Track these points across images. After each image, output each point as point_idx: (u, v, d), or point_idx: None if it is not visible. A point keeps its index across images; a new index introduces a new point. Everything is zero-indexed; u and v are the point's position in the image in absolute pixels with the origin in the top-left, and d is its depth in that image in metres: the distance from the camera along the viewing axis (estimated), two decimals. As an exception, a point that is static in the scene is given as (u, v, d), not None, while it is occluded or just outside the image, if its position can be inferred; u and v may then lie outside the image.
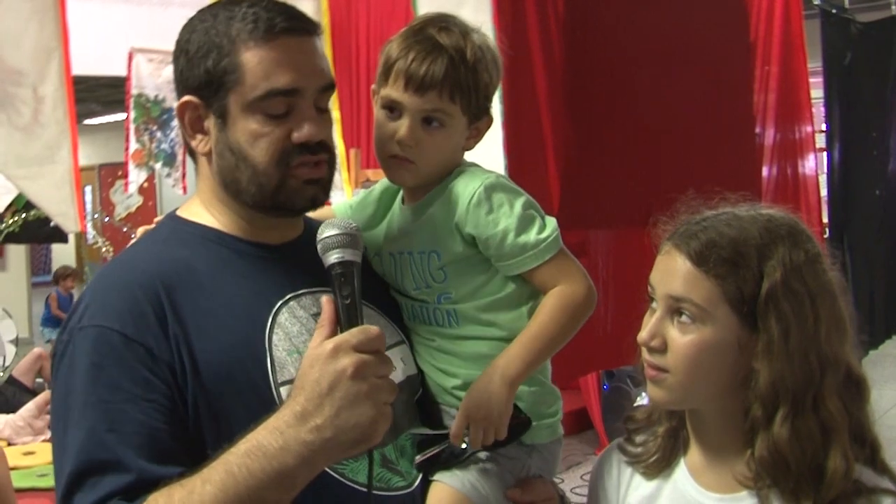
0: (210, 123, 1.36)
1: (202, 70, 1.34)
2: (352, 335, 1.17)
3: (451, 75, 1.41)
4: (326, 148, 1.37)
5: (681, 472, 1.37)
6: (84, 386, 1.24)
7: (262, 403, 1.23)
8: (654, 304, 1.33)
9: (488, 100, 1.49)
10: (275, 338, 1.33)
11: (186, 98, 1.37)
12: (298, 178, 1.35)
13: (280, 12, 1.34)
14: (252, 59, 1.31)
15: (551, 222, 1.44)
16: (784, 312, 1.24)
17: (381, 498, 1.33)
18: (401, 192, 1.53)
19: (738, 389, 1.28)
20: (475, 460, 1.43)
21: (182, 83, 1.38)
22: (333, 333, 1.19)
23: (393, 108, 1.43)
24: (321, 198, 1.39)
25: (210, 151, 1.38)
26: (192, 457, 1.21)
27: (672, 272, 1.29)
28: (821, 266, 1.29)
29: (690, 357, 1.27)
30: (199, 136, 1.38)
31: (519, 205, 1.42)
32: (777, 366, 1.24)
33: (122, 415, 1.22)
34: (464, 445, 1.39)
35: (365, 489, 1.29)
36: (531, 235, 1.41)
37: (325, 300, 1.22)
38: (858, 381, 1.29)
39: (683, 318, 1.27)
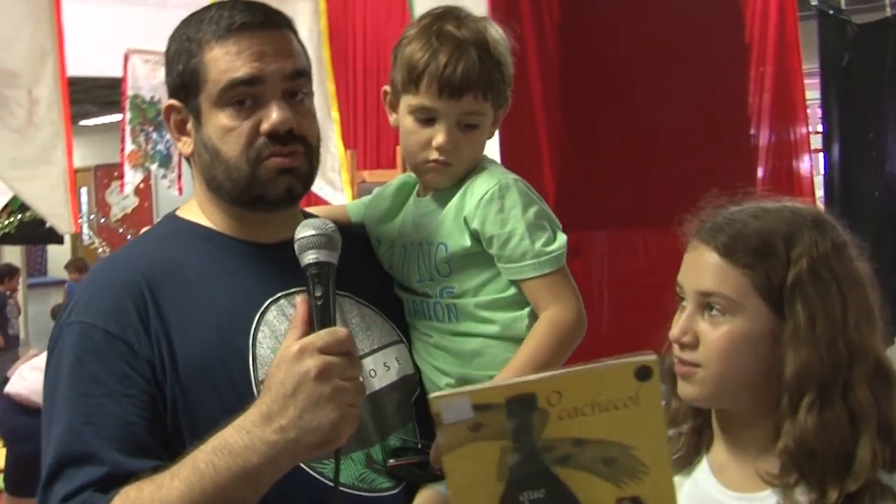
0: (190, 125, 1.41)
1: (176, 74, 1.39)
2: (318, 337, 1.17)
3: (483, 74, 1.40)
4: (301, 139, 1.37)
5: (702, 469, 1.36)
6: (67, 380, 1.27)
7: (241, 400, 1.23)
8: (683, 303, 1.31)
9: (510, 87, 1.49)
10: (260, 335, 1.34)
11: (169, 102, 1.42)
12: (270, 168, 1.35)
13: (242, 9, 1.37)
14: (215, 56, 1.35)
15: (561, 238, 1.42)
16: (810, 299, 1.23)
17: (363, 499, 1.33)
18: (416, 186, 1.53)
19: (768, 384, 1.25)
20: None
21: (167, 88, 1.43)
22: (306, 335, 1.19)
23: (425, 115, 1.42)
24: (298, 188, 1.39)
25: (193, 152, 1.42)
26: (169, 451, 1.23)
27: (700, 267, 1.28)
28: (847, 254, 1.28)
29: (723, 350, 1.25)
30: (184, 139, 1.43)
31: (532, 212, 1.41)
32: (803, 352, 1.22)
33: (100, 409, 1.24)
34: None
35: (342, 488, 1.29)
36: (536, 244, 1.39)
37: (300, 301, 1.23)
38: (888, 373, 1.27)
39: (714, 312, 1.26)
